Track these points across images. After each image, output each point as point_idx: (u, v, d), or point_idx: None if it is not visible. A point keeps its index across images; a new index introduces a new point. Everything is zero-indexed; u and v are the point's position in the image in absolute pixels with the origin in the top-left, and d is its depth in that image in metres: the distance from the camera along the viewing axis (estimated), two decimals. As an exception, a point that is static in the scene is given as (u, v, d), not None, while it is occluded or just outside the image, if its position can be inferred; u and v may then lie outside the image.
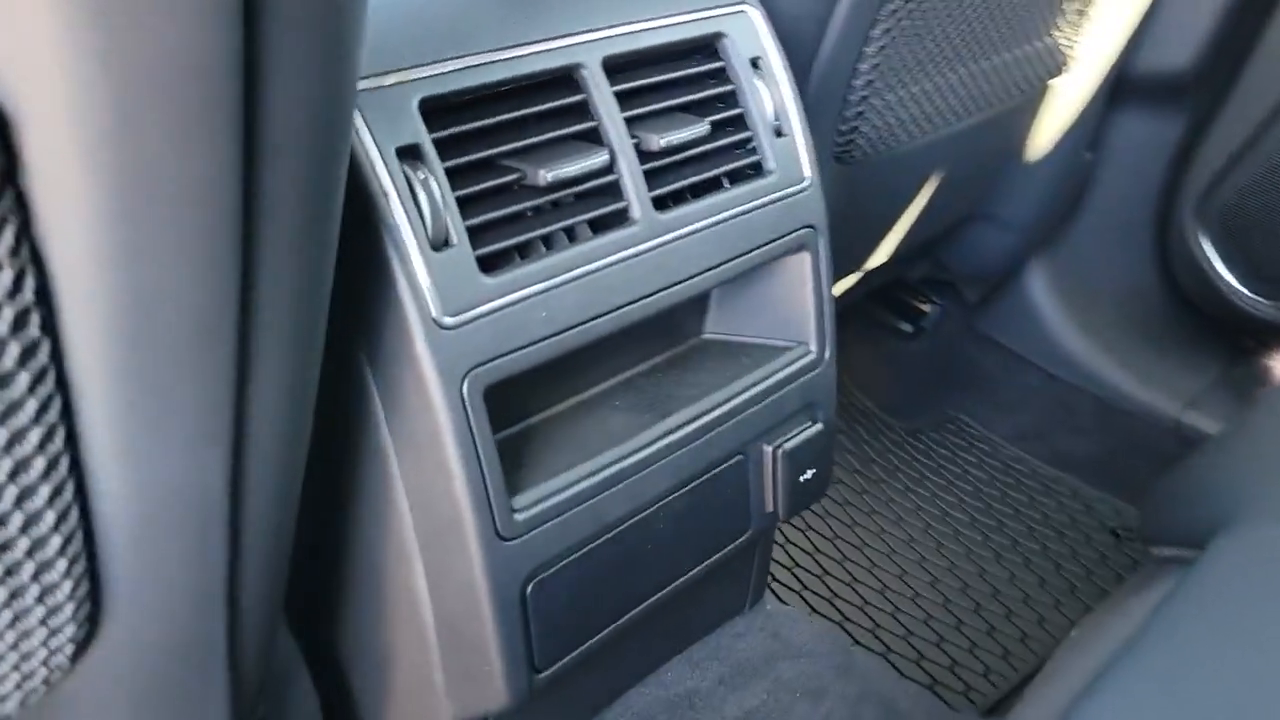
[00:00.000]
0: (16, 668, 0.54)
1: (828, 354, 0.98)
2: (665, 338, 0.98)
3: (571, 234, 0.78)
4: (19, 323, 0.42)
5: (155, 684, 0.63)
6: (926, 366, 2.13)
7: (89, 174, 0.40)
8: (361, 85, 0.66)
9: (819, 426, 0.98)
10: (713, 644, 1.11)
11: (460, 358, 0.70)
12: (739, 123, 0.90)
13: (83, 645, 0.57)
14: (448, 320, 0.69)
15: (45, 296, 0.43)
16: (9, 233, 0.40)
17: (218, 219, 0.45)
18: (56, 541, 0.50)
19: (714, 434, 0.89)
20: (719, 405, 0.89)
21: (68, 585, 0.52)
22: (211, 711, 0.68)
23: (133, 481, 0.52)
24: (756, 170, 0.91)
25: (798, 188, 0.93)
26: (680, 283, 0.83)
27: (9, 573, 0.49)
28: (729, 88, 0.89)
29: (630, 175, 0.79)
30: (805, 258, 0.95)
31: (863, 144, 1.17)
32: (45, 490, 0.47)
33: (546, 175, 0.73)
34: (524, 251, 0.75)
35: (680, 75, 0.85)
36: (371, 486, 0.76)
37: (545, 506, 0.77)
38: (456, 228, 0.70)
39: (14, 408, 0.44)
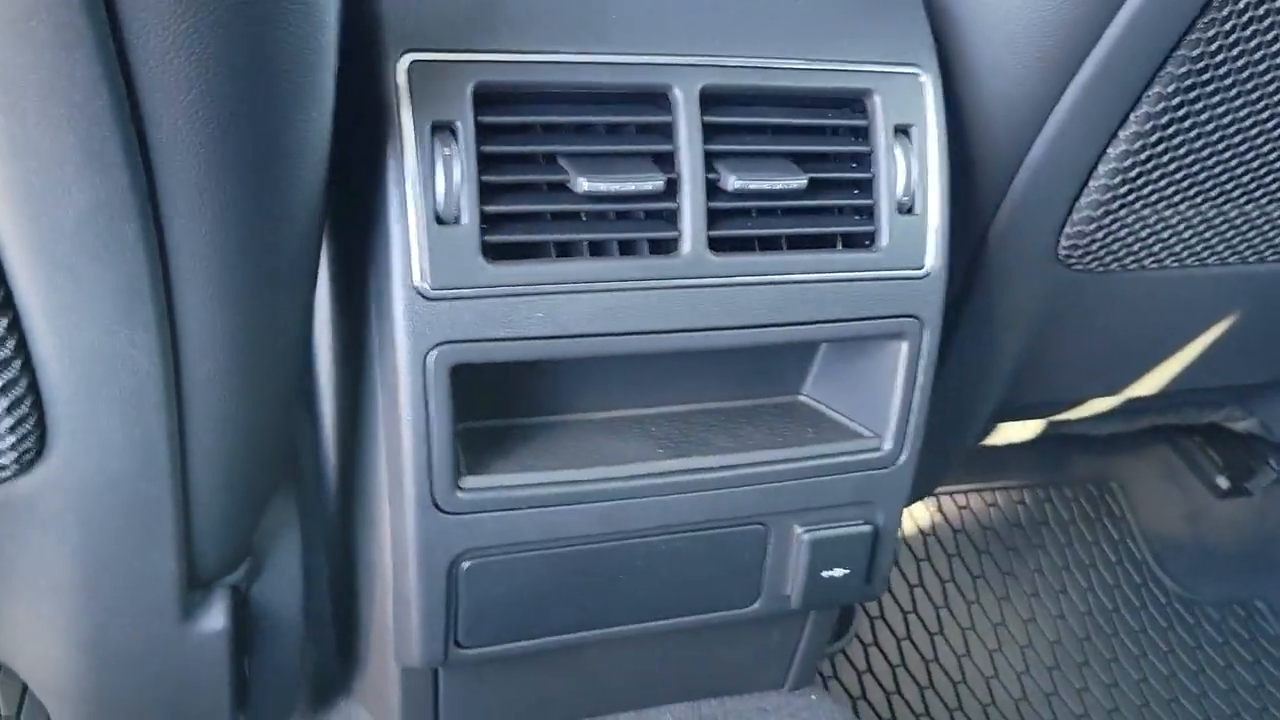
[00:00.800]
0: None
1: (903, 457, 0.90)
2: (753, 385, 0.94)
3: (604, 249, 0.77)
4: None
5: (103, 519, 0.74)
6: (1235, 533, 1.83)
7: None
8: (414, 57, 0.71)
9: (865, 528, 0.90)
10: (730, 706, 1.06)
11: (432, 330, 0.73)
12: (866, 187, 0.84)
13: (29, 460, 0.68)
14: (431, 291, 0.72)
15: None
16: None
17: (94, 126, 0.51)
18: None
19: (731, 493, 0.85)
20: (748, 466, 0.85)
21: (3, 412, 0.63)
22: (159, 565, 0.78)
23: (64, 349, 0.62)
24: (868, 241, 0.84)
25: (912, 272, 0.85)
26: (724, 329, 0.80)
27: None
28: (865, 148, 0.83)
29: (691, 208, 0.77)
30: (902, 348, 0.87)
31: (1105, 255, 1.03)
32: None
33: (584, 184, 0.74)
34: (547, 251, 0.76)
35: (795, 123, 0.81)
36: (365, 435, 0.82)
37: (493, 496, 0.79)
38: (470, 209, 0.72)
39: None
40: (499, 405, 0.87)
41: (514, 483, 0.80)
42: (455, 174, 0.72)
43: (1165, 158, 0.96)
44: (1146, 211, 1.01)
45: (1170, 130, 0.93)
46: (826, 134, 0.83)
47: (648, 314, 0.77)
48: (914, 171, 0.84)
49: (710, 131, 0.78)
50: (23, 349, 0.62)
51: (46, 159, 0.52)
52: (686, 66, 0.77)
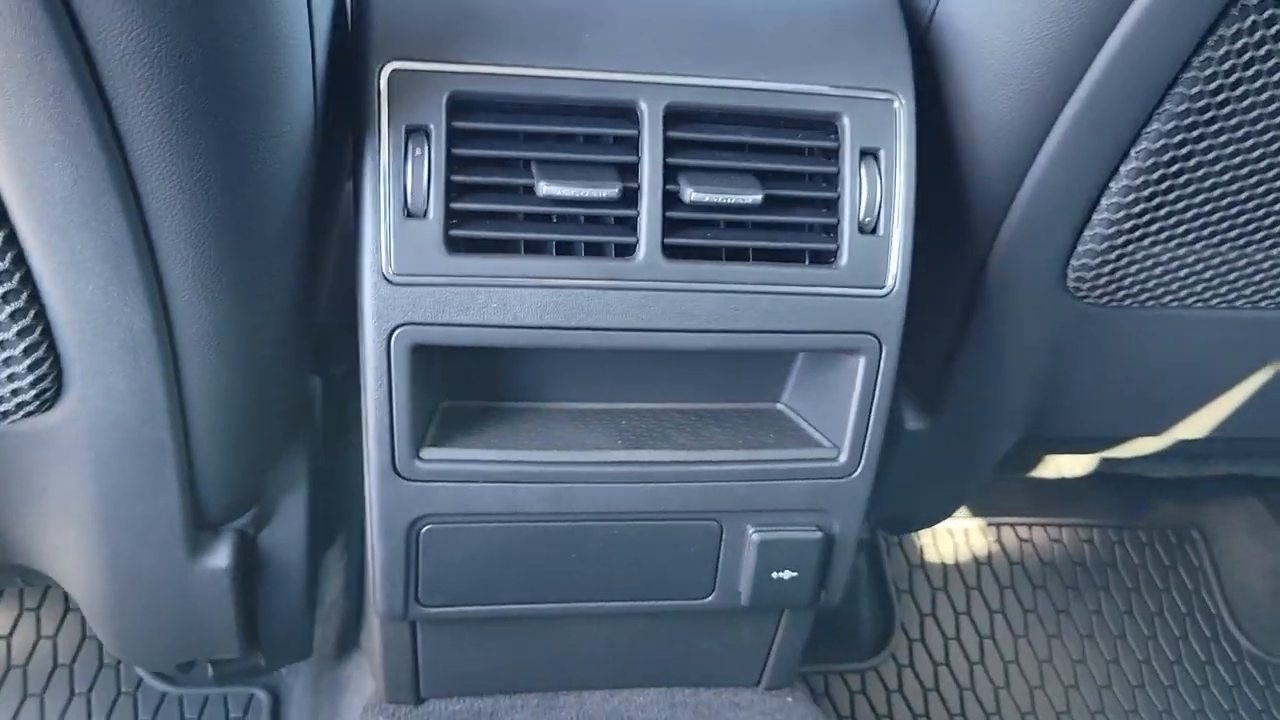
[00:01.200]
0: None
1: (859, 470, 0.92)
2: (735, 391, 0.98)
3: (569, 248, 0.84)
4: None
5: (113, 456, 0.85)
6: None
7: None
8: (395, 66, 0.79)
9: (816, 534, 0.93)
10: (704, 698, 1.10)
11: (394, 311, 0.81)
12: (831, 206, 0.87)
13: (49, 398, 0.79)
14: (395, 278, 0.80)
15: None
16: None
17: (68, 114, 0.61)
18: (13, 328, 0.72)
19: (682, 488, 0.90)
20: (700, 464, 0.90)
21: (21, 354, 0.74)
22: (166, 504, 0.89)
23: (68, 303, 0.72)
24: (829, 258, 0.88)
25: (871, 291, 0.87)
26: (674, 331, 0.85)
27: None
28: (832, 169, 0.87)
29: (648, 216, 0.83)
30: (859, 363, 0.89)
31: (1118, 290, 1.03)
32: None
33: (544, 188, 0.80)
34: (510, 247, 0.83)
35: (759, 142, 0.85)
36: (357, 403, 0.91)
37: (450, 468, 0.86)
38: (436, 205, 0.80)
39: None
40: (485, 389, 0.94)
41: (470, 457, 0.87)
42: (424, 173, 0.79)
43: (1171, 195, 0.95)
44: (1158, 249, 1.00)
45: (1174, 168, 0.92)
46: (793, 153, 0.87)
47: (599, 312, 0.83)
48: (879, 193, 0.86)
49: (674, 146, 0.83)
50: (36, 300, 0.73)
51: (31, 139, 0.62)
52: (654, 85, 0.82)
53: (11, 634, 1.45)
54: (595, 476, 0.88)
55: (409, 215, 0.80)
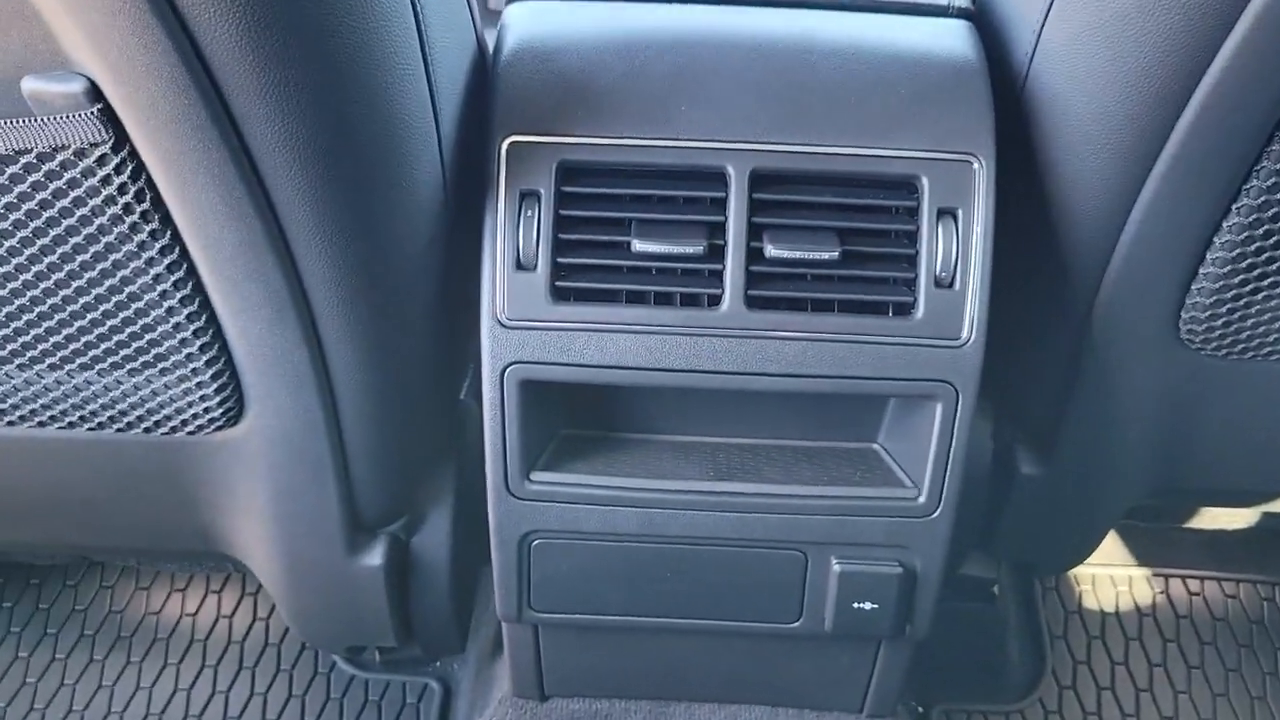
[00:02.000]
0: (194, 414, 0.96)
1: (939, 511, 0.97)
2: (834, 430, 1.05)
3: (665, 298, 0.94)
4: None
5: (289, 467, 1.01)
6: None
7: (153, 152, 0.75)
8: (513, 139, 0.92)
9: (896, 569, 0.98)
10: (809, 719, 1.17)
11: (506, 351, 0.93)
12: (909, 262, 0.93)
13: (233, 416, 0.96)
14: (508, 322, 0.93)
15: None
16: (144, 188, 0.77)
17: (231, 189, 0.77)
18: (203, 358, 0.90)
19: (765, 518, 0.98)
20: (785, 497, 0.97)
21: (210, 379, 0.92)
22: (328, 507, 1.05)
23: (242, 339, 0.89)
24: (907, 310, 0.93)
25: (949, 342, 0.93)
26: (756, 374, 0.93)
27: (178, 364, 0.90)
28: (910, 226, 0.93)
29: (732, 270, 0.91)
30: (936, 409, 0.94)
31: (1234, 344, 1.03)
32: (191, 325, 0.85)
33: (637, 244, 0.91)
34: (607, 296, 0.94)
35: (839, 202, 0.92)
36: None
37: (556, 489, 0.98)
38: (544, 259, 0.92)
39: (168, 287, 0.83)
40: (598, 420, 1.05)
41: (574, 481, 0.98)
42: (534, 231, 0.91)
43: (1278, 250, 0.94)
44: (1273, 302, 0.99)
45: (1278, 224, 0.92)
46: (873, 211, 0.93)
47: (685, 356, 0.93)
48: (955, 250, 0.92)
49: (759, 206, 0.92)
50: (220, 337, 0.90)
51: (205, 210, 0.78)
52: (741, 151, 0.91)
53: (233, 614, 1.68)
54: (686, 504, 0.98)
55: (520, 268, 0.92)
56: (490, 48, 0.98)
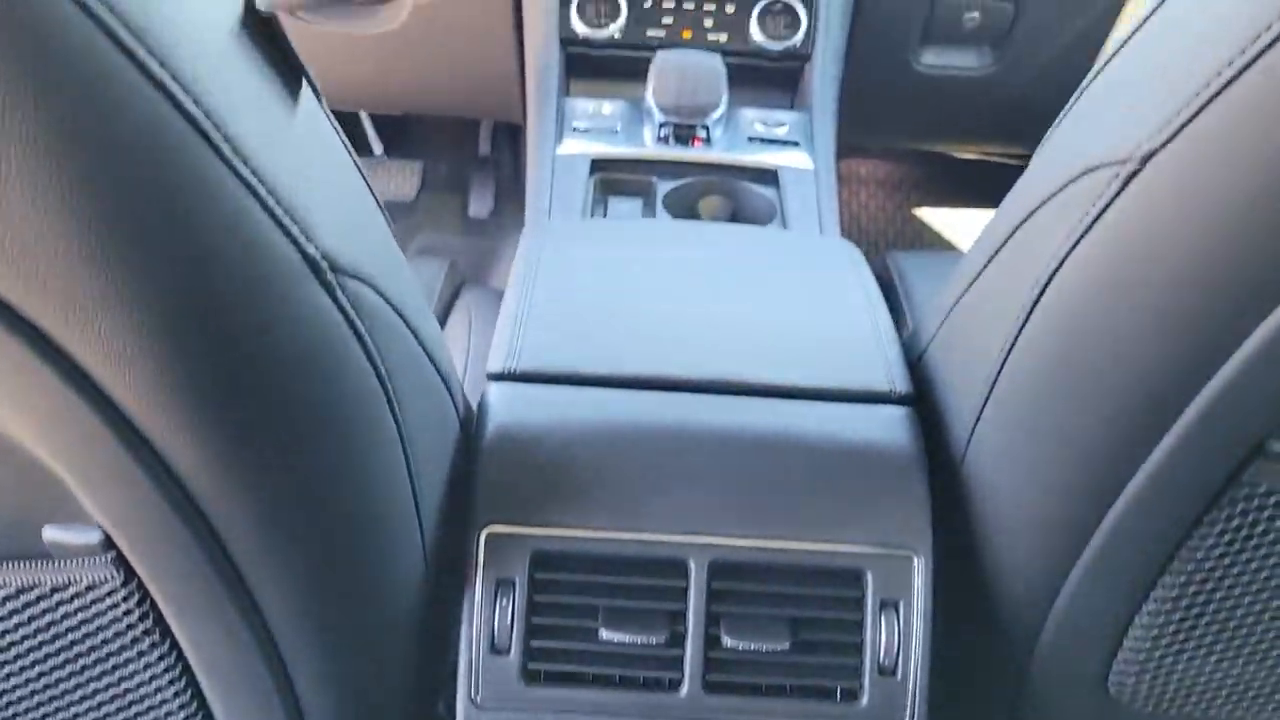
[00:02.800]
0: None
1: None
2: None
3: (630, 681, 1.00)
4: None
5: None
6: None
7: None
8: (491, 529, 1.00)
9: None
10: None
11: None
12: (854, 650, 1.01)
13: None
14: (482, 703, 0.99)
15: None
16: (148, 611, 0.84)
17: (211, 585, 0.83)
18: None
19: None
20: None
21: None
22: None
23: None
24: (852, 696, 1.00)
25: (895, 729, 1.00)
26: None
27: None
28: (855, 617, 1.01)
29: (691, 658, 0.99)
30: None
31: (1160, 699, 1.11)
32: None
33: (604, 633, 0.98)
34: (577, 679, 1.00)
35: (790, 593, 1.00)
36: None
37: None
38: (518, 644, 0.99)
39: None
40: None
41: None
42: (509, 617, 0.99)
43: (1203, 619, 1.03)
44: (1197, 662, 1.08)
45: (1200, 598, 1.01)
46: (821, 602, 1.01)
47: None
48: (898, 639, 1.00)
49: (716, 595, 1.00)
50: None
51: (202, 617, 0.84)
52: (701, 545, 1.00)
53: None
54: None
55: (494, 651, 0.99)
56: (472, 423, 1.06)
